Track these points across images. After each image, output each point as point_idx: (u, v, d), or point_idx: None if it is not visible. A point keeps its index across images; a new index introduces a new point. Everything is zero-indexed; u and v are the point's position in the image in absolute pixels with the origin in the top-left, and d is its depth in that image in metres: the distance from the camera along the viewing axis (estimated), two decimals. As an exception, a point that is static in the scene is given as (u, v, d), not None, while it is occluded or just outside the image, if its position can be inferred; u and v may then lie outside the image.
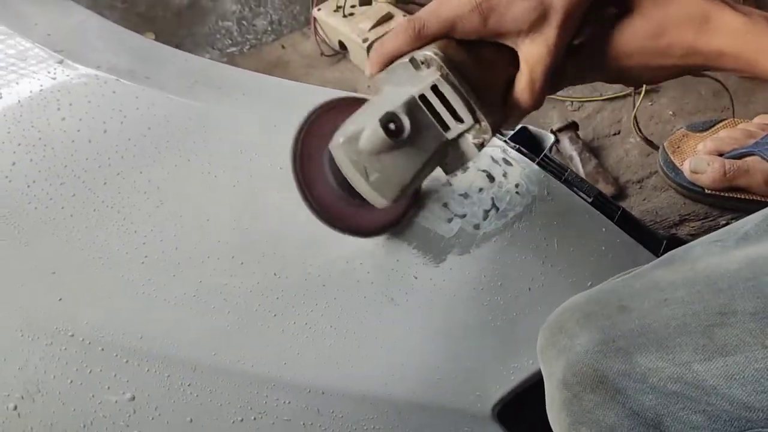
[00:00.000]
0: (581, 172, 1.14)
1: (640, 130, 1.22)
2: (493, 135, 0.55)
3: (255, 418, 0.60)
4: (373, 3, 1.41)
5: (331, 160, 0.59)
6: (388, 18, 1.37)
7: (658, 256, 0.63)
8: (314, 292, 0.64)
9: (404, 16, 1.41)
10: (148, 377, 0.59)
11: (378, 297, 0.64)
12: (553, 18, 0.51)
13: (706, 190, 1.09)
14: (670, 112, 1.28)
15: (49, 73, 0.75)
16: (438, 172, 0.60)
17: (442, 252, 0.67)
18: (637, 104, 1.24)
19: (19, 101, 0.73)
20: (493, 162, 0.74)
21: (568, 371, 0.50)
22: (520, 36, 0.53)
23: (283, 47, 1.47)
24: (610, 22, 0.54)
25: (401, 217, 0.67)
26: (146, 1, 1.63)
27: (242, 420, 0.60)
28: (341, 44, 1.40)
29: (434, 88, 0.53)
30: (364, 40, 1.32)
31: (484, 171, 0.72)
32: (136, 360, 0.60)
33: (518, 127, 0.82)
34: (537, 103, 0.56)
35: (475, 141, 0.55)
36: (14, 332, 0.60)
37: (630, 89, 1.26)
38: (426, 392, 0.62)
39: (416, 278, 0.66)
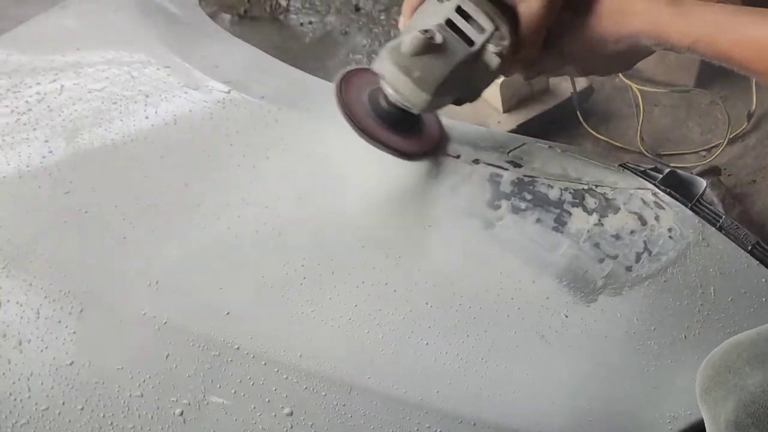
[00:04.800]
0: (724, 220, 1.10)
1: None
2: (510, 48, 0.65)
3: (406, 444, 0.61)
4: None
5: (370, 98, 0.70)
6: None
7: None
8: (465, 323, 0.65)
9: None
10: (305, 394, 0.62)
11: (528, 333, 0.65)
12: None
13: None
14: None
15: (218, 102, 0.81)
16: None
17: (593, 292, 0.67)
18: None
19: (192, 127, 0.78)
20: (645, 205, 0.73)
21: (742, 411, 0.49)
22: None
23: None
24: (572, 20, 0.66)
25: (429, 149, 0.74)
26: (280, 34, 1.72)
27: (393, 444, 0.61)
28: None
29: (458, 9, 0.65)
30: (496, 76, 1.34)
31: (635, 213, 0.72)
32: (296, 377, 0.62)
33: (667, 170, 0.81)
34: (536, 47, 0.67)
35: (496, 50, 0.65)
36: (185, 341, 0.64)
37: None
38: (576, 434, 0.61)
39: (567, 317, 0.65)
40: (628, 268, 0.68)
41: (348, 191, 0.73)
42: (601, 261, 0.68)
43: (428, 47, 0.63)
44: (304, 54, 1.69)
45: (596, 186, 0.74)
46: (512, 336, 0.64)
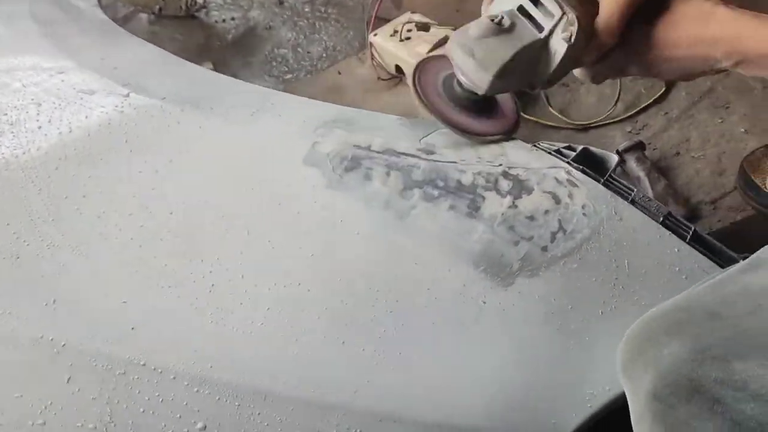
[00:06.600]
0: (650, 193, 1.11)
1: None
2: (580, 35, 0.66)
3: (326, 448, 0.59)
4: (431, 28, 1.42)
5: (444, 84, 0.77)
6: (445, 41, 1.37)
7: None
8: (382, 318, 0.63)
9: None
10: (218, 406, 0.59)
11: (446, 323, 0.63)
12: None
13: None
14: (742, 130, 1.25)
15: (116, 106, 0.77)
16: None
17: (509, 275, 0.66)
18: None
19: (89, 134, 0.75)
20: (558, 183, 0.72)
21: (660, 382, 0.49)
22: None
23: (339, 73, 1.48)
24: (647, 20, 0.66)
25: (502, 130, 0.79)
26: (204, 32, 1.67)
27: (313, 449, 0.59)
28: (398, 68, 1.40)
29: None
30: (423, 63, 1.32)
31: (549, 193, 0.71)
32: (207, 389, 0.60)
33: (580, 148, 0.81)
34: (612, 36, 0.67)
35: (564, 35, 0.66)
36: (88, 361, 0.60)
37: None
38: (498, 420, 0.60)
39: (485, 303, 0.64)
40: (544, 249, 0.67)
41: (253, 191, 0.70)
42: (517, 243, 0.67)
43: (494, 30, 0.68)
44: (228, 51, 1.64)
45: (509, 168, 0.73)
46: (430, 327, 0.63)
